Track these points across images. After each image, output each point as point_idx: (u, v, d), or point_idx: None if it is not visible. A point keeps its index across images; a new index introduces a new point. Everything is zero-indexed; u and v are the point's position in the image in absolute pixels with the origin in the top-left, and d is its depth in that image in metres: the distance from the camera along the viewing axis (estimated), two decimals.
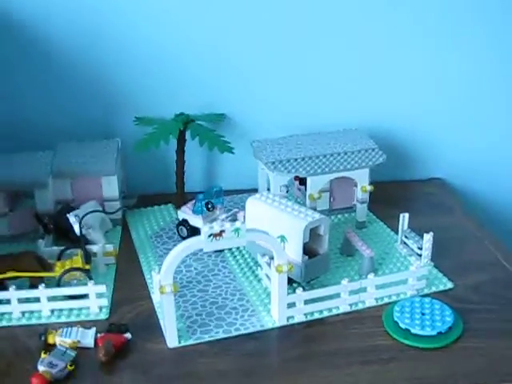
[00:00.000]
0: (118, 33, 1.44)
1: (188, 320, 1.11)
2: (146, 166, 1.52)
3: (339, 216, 1.44)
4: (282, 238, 1.16)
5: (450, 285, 1.20)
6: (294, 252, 1.15)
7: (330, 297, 1.13)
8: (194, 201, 1.33)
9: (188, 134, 1.40)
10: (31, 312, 1.12)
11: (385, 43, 1.52)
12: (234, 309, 1.14)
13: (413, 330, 1.06)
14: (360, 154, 1.37)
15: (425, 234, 1.23)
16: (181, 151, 1.42)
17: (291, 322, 1.11)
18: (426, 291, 1.18)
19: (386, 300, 1.16)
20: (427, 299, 1.13)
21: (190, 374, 1.01)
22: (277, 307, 1.10)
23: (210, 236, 1.01)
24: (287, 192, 1.38)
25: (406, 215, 1.29)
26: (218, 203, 1.34)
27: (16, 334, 1.08)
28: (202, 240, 1.01)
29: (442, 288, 1.19)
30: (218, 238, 1.01)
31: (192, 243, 1.02)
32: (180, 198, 1.44)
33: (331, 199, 1.42)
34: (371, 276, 1.14)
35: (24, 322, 1.11)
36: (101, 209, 1.34)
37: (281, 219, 1.17)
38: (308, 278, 1.18)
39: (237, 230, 1.02)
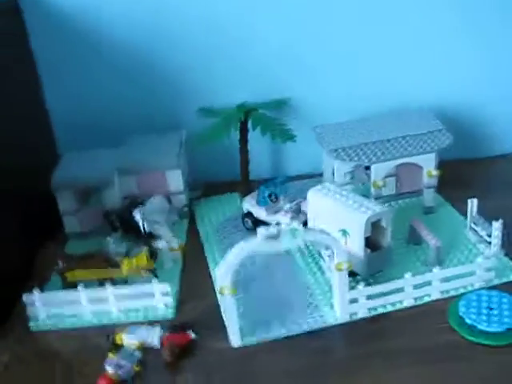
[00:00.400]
0: (181, 23, 1.42)
1: (251, 317, 1.10)
2: (210, 155, 1.50)
3: (407, 200, 1.38)
4: (344, 232, 1.13)
5: None
6: (356, 246, 1.11)
7: (394, 291, 1.09)
8: (257, 191, 1.31)
9: (250, 124, 1.38)
10: (101, 312, 1.13)
11: (447, 17, 1.44)
12: (296, 304, 1.12)
13: (479, 326, 1.01)
14: (425, 137, 1.30)
15: (493, 222, 1.16)
16: (243, 141, 1.39)
17: (354, 318, 1.08)
18: (496, 282, 1.12)
19: (453, 293, 1.11)
20: (495, 292, 1.07)
21: (254, 373, 1.00)
22: (339, 304, 1.08)
23: (266, 238, 0.99)
24: (352, 178, 1.33)
25: (475, 201, 1.22)
26: (282, 193, 1.31)
27: (87, 334, 1.11)
28: (258, 242, 0.99)
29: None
30: (274, 239, 1.00)
31: (247, 246, 1.00)
32: (245, 186, 1.42)
33: (398, 184, 1.37)
34: (436, 269, 1.09)
35: (95, 322, 1.13)
36: (167, 203, 1.34)
37: (342, 213, 1.13)
38: (371, 272, 1.14)
39: (294, 231, 0.99)
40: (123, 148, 1.39)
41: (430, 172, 1.29)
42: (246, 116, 1.37)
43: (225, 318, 1.08)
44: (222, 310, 1.10)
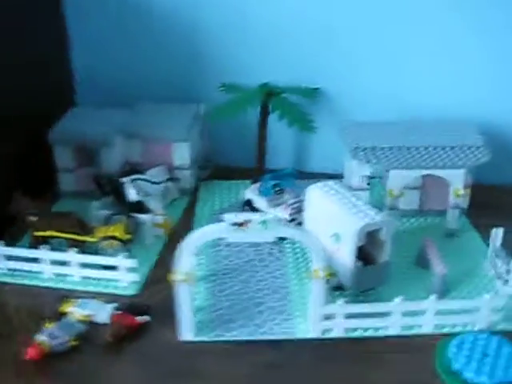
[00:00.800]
0: None
1: (216, 313, 0.96)
2: (228, 136, 1.37)
3: (429, 219, 1.20)
4: (337, 237, 0.97)
5: None
6: (346, 255, 0.96)
7: (379, 314, 0.93)
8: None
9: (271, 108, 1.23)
10: (60, 276, 1.03)
11: (506, 28, 1.24)
12: (269, 308, 0.97)
13: (466, 374, 0.83)
14: (458, 151, 1.11)
15: None
16: (263, 125, 1.25)
17: (327, 335, 0.93)
18: (502, 327, 0.93)
19: (448, 330, 0.93)
20: (496, 338, 0.88)
21: (193, 372, 0.86)
22: (311, 318, 0.92)
23: (233, 225, 0.85)
24: (369, 184, 1.16)
25: (500, 230, 1.03)
26: (288, 186, 1.16)
27: (40, 295, 1.00)
28: (223, 228, 0.85)
29: None
30: (243, 228, 0.85)
31: (212, 230, 0.86)
32: (258, 173, 1.26)
33: (422, 198, 1.19)
34: (432, 297, 0.92)
35: (51, 284, 1.02)
36: (166, 176, 1.22)
37: (337, 215, 0.97)
38: (361, 288, 0.98)
39: (264, 223, 0.85)
40: (132, 111, 1.27)
41: (457, 190, 1.10)
42: (268, 98, 1.22)
43: (177, 308, 0.93)
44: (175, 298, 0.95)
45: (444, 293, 0.98)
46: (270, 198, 1.14)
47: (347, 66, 1.31)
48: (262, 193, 1.15)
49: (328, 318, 0.91)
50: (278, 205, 1.13)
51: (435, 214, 1.19)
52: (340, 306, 0.91)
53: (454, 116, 1.26)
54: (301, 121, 1.19)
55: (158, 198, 1.17)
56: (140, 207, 1.13)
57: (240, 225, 0.85)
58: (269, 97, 1.22)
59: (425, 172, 1.09)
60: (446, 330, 0.93)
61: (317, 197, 1.03)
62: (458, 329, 0.92)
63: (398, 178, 1.09)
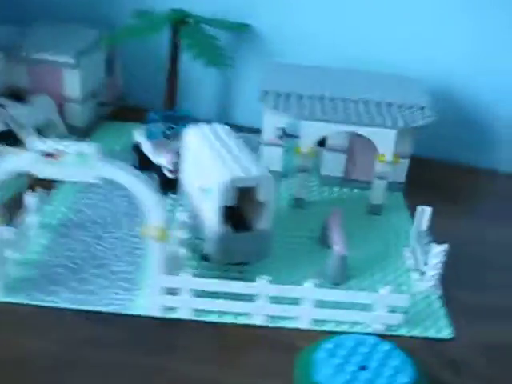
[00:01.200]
0: None
1: (43, 270, 0.73)
2: (141, 75, 1.14)
3: (356, 191, 0.95)
4: (205, 192, 0.73)
5: (447, 333, 0.70)
6: (211, 216, 0.72)
7: (239, 297, 0.69)
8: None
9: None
10: None
11: None
12: (112, 273, 0.74)
13: None
14: (395, 110, 0.86)
15: (433, 245, 0.73)
16: (172, 59, 1.00)
17: (170, 316, 0.69)
18: (402, 333, 0.69)
19: (331, 328, 0.69)
20: (386, 346, 0.63)
21: None
22: (149, 290, 0.69)
23: (40, 155, 0.61)
24: (281, 138, 0.91)
25: (427, 210, 0.78)
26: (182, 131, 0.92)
27: None
28: (28, 159, 0.62)
29: (430, 335, 0.69)
30: (54, 160, 0.62)
31: (12, 161, 0.63)
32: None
33: (348, 165, 0.95)
34: (309, 284, 0.68)
35: None
36: (54, 106, 0.99)
37: (207, 165, 0.74)
38: (228, 259, 0.74)
39: (82, 156, 0.61)
40: (21, 30, 1.03)
41: (383, 156, 0.85)
42: (178, 27, 0.98)
43: None
44: None
45: (341, 279, 0.74)
46: (157, 142, 0.91)
47: (284, 4, 1.06)
48: (148, 135, 0.92)
49: (171, 293, 0.68)
50: (167, 152, 0.90)
51: (363, 187, 0.94)
52: (185, 280, 0.67)
53: (400, 74, 1.00)
54: (212, 55, 0.95)
55: (34, 132, 0.94)
56: (13, 139, 0.90)
57: (50, 156, 0.62)
58: (180, 25, 0.98)
59: (345, 128, 0.85)
60: (326, 328, 0.69)
61: (192, 142, 0.79)
62: (341, 328, 0.69)
63: (309, 132, 0.84)
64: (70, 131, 1.02)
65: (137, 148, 0.93)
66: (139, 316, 0.68)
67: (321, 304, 0.68)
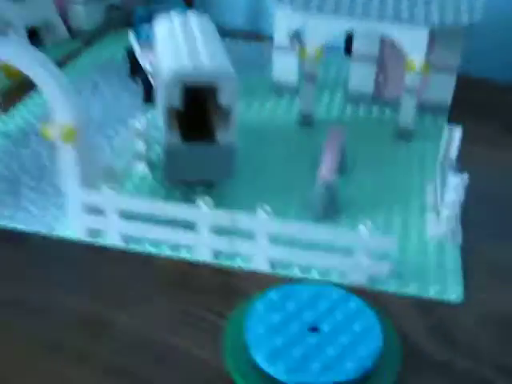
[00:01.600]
0: None
1: None
2: None
3: (387, 112, 0.74)
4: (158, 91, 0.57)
5: (456, 296, 0.49)
6: (159, 119, 0.56)
7: (176, 223, 0.52)
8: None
9: None
10: None
11: None
12: (32, 190, 0.59)
13: (255, 354, 0.43)
14: (432, 3, 0.64)
15: (450, 176, 0.52)
16: None
17: (99, 243, 0.53)
18: (391, 289, 0.50)
19: (294, 273, 0.51)
20: (353, 303, 0.45)
21: None
22: (70, 207, 0.54)
23: None
24: (295, 40, 0.72)
25: (457, 131, 0.57)
26: None
27: None
28: None
29: (428, 295, 0.49)
30: None
31: None
32: None
33: (379, 78, 0.74)
34: (263, 213, 0.50)
35: None
36: (52, 4, 0.85)
37: (163, 56, 0.57)
38: (180, 176, 0.57)
39: None
40: None
41: (412, 63, 0.64)
42: None
43: None
44: None
45: (325, 213, 0.56)
46: (145, 44, 0.74)
47: None
48: (137, 34, 0.75)
49: (95, 211, 0.53)
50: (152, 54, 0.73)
51: (396, 108, 0.73)
52: (108, 196, 0.52)
53: None
54: None
55: (24, 31, 0.81)
56: None
57: None
58: None
59: (362, 25, 0.63)
60: (290, 274, 0.51)
61: (159, 33, 0.62)
62: (313, 276, 0.51)
63: (318, 30, 0.65)
64: (72, 35, 0.89)
65: (130, 52, 0.78)
66: (62, 239, 0.54)
67: (288, 243, 0.51)
